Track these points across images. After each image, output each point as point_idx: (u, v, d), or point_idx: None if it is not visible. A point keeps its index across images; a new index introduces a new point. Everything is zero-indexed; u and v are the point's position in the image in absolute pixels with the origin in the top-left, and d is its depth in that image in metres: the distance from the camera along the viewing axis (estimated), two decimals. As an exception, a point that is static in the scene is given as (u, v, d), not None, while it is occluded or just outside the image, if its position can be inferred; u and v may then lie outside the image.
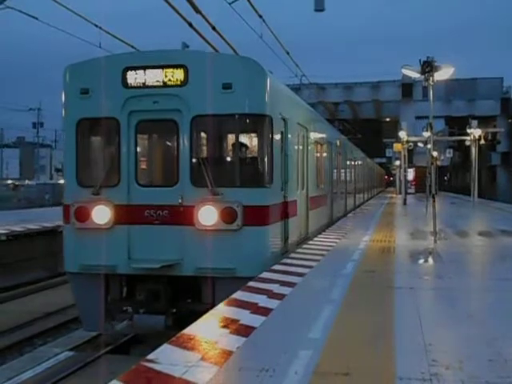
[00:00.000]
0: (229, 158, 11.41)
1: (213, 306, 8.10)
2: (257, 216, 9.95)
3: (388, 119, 66.17)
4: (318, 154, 17.06)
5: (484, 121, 48.29)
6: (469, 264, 12.05)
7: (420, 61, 15.25)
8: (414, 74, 16.08)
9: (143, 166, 11.25)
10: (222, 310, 7.03)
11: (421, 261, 11.71)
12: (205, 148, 11.19)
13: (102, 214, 10.22)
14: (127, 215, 10.18)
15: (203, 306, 9.16)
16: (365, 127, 64.70)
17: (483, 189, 55.24)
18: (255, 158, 10.80)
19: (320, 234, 15.46)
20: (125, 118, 10.20)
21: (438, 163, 50.45)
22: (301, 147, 13.72)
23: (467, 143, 38.85)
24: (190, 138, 10.13)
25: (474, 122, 36.94)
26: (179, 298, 10.29)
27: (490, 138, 41.20)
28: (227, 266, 9.75)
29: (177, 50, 10.84)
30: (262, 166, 10.44)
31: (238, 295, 7.77)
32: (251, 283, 8.57)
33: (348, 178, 27.28)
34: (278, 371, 4.85)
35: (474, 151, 36.44)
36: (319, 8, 19.03)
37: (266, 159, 10.38)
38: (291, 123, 12.01)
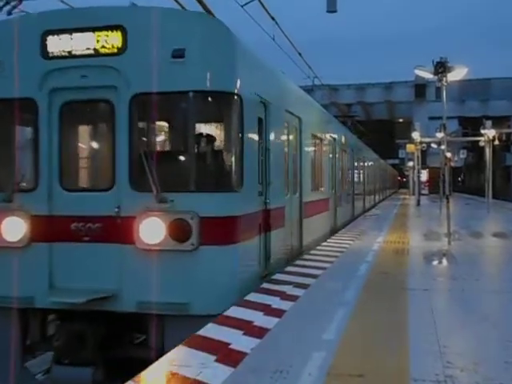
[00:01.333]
0: (181, 153, 8.45)
1: (161, 352, 6.50)
2: (220, 231, 7.39)
3: (401, 120, 65.97)
4: (317, 152, 15.08)
5: (498, 121, 47.90)
6: (483, 265, 11.97)
7: (433, 61, 15.19)
8: (427, 74, 16.03)
9: (69, 163, 8.31)
10: (235, 311, 7.03)
11: (435, 262, 11.66)
12: (149, 138, 8.17)
13: (13, 228, 7.73)
14: (48, 230, 7.66)
15: (148, 353, 7.03)
16: (377, 128, 64.48)
17: (498, 190, 54.86)
18: (219, 152, 8.07)
19: (319, 245, 13.54)
20: (44, 98, 7.72)
21: (452, 164, 50.26)
22: (292, 141, 11.41)
23: (481, 144, 38.54)
24: (130, 124, 7.49)
25: (488, 123, 36.64)
26: (115, 342, 7.57)
27: (504, 138, 40.95)
28: (178, 299, 7.20)
29: (112, 6, 8.08)
30: (227, 164, 7.86)
31: (252, 297, 7.78)
32: (265, 285, 8.56)
33: (356, 179, 27.02)
34: (292, 373, 4.86)
35: (488, 152, 36.16)
36: (331, 9, 18.97)
37: (233, 154, 7.76)
38: (275, 109, 9.56)
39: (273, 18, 15.75)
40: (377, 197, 40.06)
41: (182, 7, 10.33)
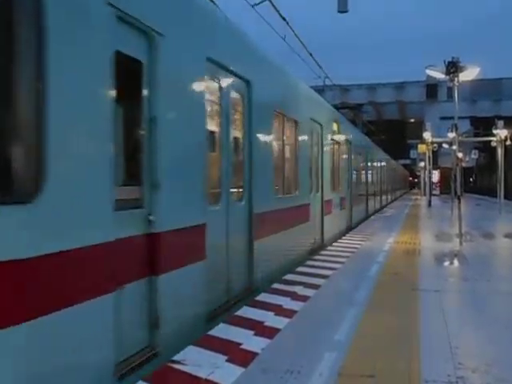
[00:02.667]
0: None
1: None
2: None
3: (412, 120, 65.75)
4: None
5: (510, 121, 47.57)
6: (495, 266, 11.91)
7: (445, 61, 15.13)
8: (438, 74, 15.96)
9: None
10: (246, 311, 7.04)
11: (446, 263, 11.61)
12: None
13: None
14: None
15: None
16: (389, 128, 64.30)
17: (510, 190, 54.44)
18: None
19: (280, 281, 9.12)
20: None
21: (463, 164, 49.96)
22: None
23: (493, 144, 38.31)
24: None
25: (500, 123, 36.42)
26: None
27: (516, 138, 40.63)
28: None
29: None
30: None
31: (263, 297, 7.79)
32: (275, 285, 8.57)
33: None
34: (303, 373, 4.87)
35: (499, 152, 35.94)
36: (343, 9, 18.98)
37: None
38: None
39: (284, 19, 15.74)
40: (388, 197, 39.95)
41: None
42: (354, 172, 20.10)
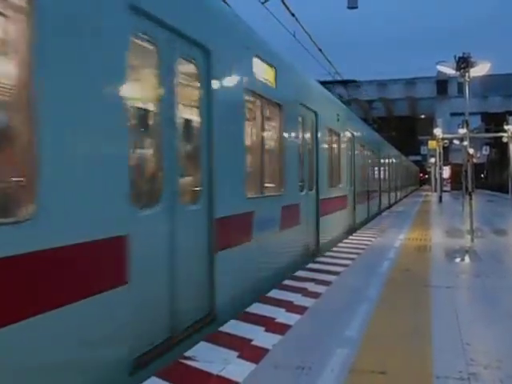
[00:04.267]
0: None
1: None
2: None
3: (423, 116, 65.53)
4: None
5: (521, 117, 47.36)
6: (507, 263, 11.83)
7: (455, 57, 15.07)
8: (449, 70, 15.89)
9: None
10: (257, 308, 7.06)
11: (457, 259, 11.56)
12: None
13: None
14: None
15: None
16: (399, 125, 64.12)
17: (521, 186, 54.22)
18: None
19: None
20: None
21: (475, 160, 49.73)
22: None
23: (504, 140, 38.13)
24: None
25: (511, 119, 36.25)
26: None
27: (528, 134, 40.39)
28: None
29: None
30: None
31: (274, 294, 7.80)
32: (286, 282, 8.59)
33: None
34: (314, 369, 4.87)
35: (511, 148, 35.76)
36: (352, 5, 18.93)
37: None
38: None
39: (293, 15, 15.71)
40: (399, 193, 39.82)
41: None
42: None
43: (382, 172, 27.59)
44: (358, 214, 18.27)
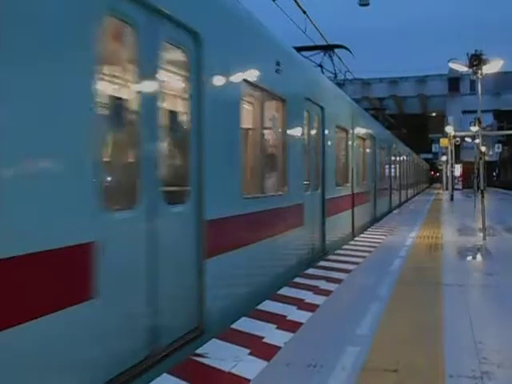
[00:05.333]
0: None
1: None
2: None
3: (434, 114, 65.24)
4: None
5: (534, 114, 47.07)
6: (519, 261, 11.77)
7: (468, 54, 14.99)
8: (461, 67, 15.82)
9: None
10: (268, 305, 7.05)
11: (469, 257, 11.50)
12: None
13: None
14: None
15: None
16: (410, 122, 63.83)
17: (534, 184, 53.84)
18: None
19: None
20: None
21: (487, 158, 49.47)
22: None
23: (517, 138, 37.89)
24: None
25: (524, 116, 36.02)
26: None
27: (540, 131, 40.15)
28: None
29: None
30: None
31: (285, 291, 7.79)
32: (297, 279, 8.58)
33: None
34: (326, 367, 4.86)
35: (523, 146, 35.53)
36: (364, 2, 18.87)
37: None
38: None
39: (304, 12, 15.69)
40: (409, 192, 39.65)
41: None
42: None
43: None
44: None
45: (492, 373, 4.69)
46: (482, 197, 15.45)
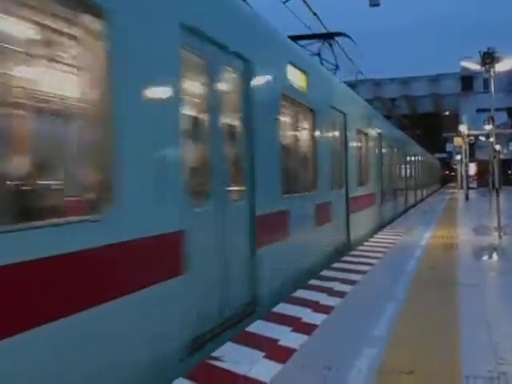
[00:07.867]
0: None
1: None
2: None
3: (447, 113, 64.90)
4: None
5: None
6: (536, 260, 11.67)
7: (480, 52, 14.89)
8: (474, 66, 15.72)
9: None
10: (283, 308, 7.05)
11: (485, 257, 11.41)
12: None
13: None
14: None
15: None
16: (423, 122, 63.53)
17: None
18: None
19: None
20: None
21: (501, 157, 49.10)
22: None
23: (531, 135, 37.60)
24: None
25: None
26: None
27: (555, 129, 39.81)
28: None
29: None
30: None
31: (299, 293, 7.78)
32: (312, 281, 8.56)
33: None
34: (342, 369, 4.84)
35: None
36: (374, 3, 18.82)
37: None
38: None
39: (314, 14, 15.68)
40: (424, 191, 39.47)
41: None
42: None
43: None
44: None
45: (509, 373, 4.64)
46: (498, 196, 15.34)
